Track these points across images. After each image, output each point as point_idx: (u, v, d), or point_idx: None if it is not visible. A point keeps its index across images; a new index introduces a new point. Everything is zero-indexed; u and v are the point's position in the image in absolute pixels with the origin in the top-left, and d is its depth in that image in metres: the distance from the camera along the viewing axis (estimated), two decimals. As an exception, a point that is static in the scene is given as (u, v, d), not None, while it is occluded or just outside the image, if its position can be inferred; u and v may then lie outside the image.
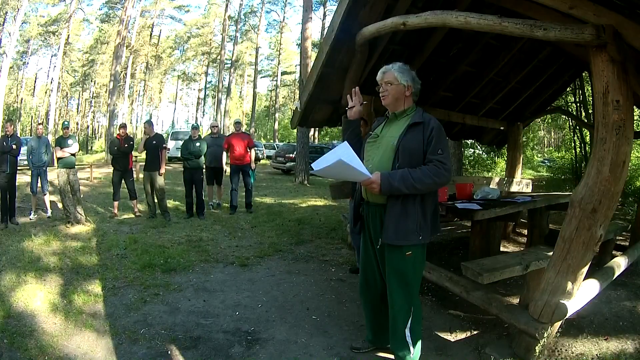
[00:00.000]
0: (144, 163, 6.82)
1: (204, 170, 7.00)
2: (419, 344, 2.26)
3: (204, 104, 48.81)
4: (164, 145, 6.79)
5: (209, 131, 9.28)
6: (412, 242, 2.08)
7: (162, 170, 6.56)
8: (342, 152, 1.98)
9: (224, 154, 7.14)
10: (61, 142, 6.18)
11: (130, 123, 39.96)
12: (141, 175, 7.19)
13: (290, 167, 15.39)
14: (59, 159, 6.15)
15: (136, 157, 7.55)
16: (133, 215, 6.73)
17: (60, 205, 6.69)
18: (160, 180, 6.64)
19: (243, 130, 7.65)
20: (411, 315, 2.19)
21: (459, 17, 2.71)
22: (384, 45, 4.21)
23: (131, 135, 7.00)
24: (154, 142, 6.67)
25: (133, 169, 7.18)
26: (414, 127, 2.09)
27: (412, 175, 1.97)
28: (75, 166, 6.48)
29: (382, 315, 2.39)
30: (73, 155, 6.28)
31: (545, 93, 6.45)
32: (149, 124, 6.99)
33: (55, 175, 6.49)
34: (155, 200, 6.71)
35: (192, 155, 6.66)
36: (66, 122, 6.86)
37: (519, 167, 6.89)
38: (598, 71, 2.15)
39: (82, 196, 6.62)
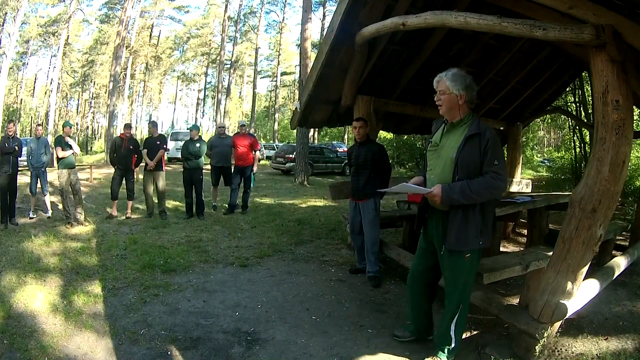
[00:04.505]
0: (144, 163, 6.81)
1: (203, 170, 7.00)
2: (460, 338, 2.41)
3: (204, 105, 48.92)
4: (165, 147, 6.83)
5: (213, 132, 9.32)
6: (472, 247, 2.21)
7: (152, 164, 6.56)
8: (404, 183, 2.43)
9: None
10: (61, 142, 6.15)
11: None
12: (141, 176, 7.16)
13: (290, 167, 15.38)
14: (59, 159, 6.13)
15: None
16: (130, 216, 6.68)
17: (60, 206, 6.67)
18: (161, 180, 6.69)
19: (248, 132, 7.65)
20: (459, 311, 2.33)
21: (459, 18, 2.71)
22: (384, 46, 4.21)
23: (135, 138, 6.98)
24: (158, 142, 6.75)
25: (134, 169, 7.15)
26: (472, 139, 2.15)
27: (471, 188, 2.09)
28: (76, 166, 6.46)
29: (425, 308, 2.58)
30: (74, 154, 6.26)
31: (545, 93, 6.46)
32: (153, 125, 7.18)
33: (55, 175, 6.48)
34: (156, 201, 6.72)
35: (192, 156, 6.68)
36: (69, 122, 6.91)
37: (519, 167, 6.90)
38: (598, 71, 2.16)
39: (83, 197, 6.60)
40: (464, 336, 2.81)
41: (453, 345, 2.36)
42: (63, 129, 6.40)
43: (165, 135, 7.43)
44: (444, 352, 2.38)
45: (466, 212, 2.17)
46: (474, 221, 2.17)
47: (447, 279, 2.38)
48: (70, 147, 6.10)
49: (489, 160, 2.10)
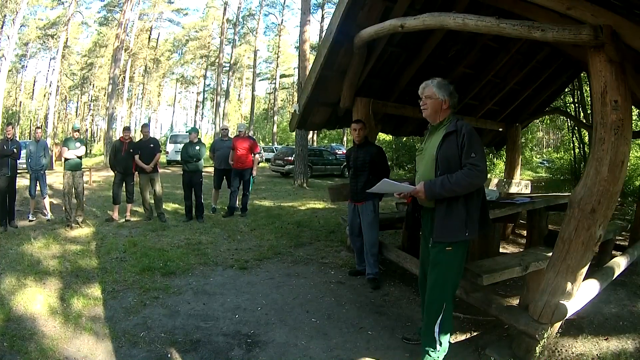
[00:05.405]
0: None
1: (203, 173, 6.99)
2: (447, 340, 2.40)
3: (203, 107, 48.82)
4: (160, 149, 6.83)
5: (212, 135, 9.34)
6: (459, 238, 2.26)
7: (148, 168, 6.56)
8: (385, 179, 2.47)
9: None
10: (68, 144, 6.16)
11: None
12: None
13: (289, 170, 15.36)
14: (65, 159, 6.14)
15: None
16: (129, 219, 6.66)
17: (63, 207, 6.65)
18: (157, 184, 6.68)
19: (248, 135, 7.66)
20: (442, 311, 2.32)
21: (457, 19, 2.72)
22: (382, 47, 4.22)
23: (134, 141, 6.98)
24: (151, 145, 6.73)
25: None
26: (449, 136, 2.28)
27: (450, 181, 2.18)
28: (82, 169, 6.45)
29: None
30: (79, 157, 6.27)
31: (543, 94, 6.47)
32: (145, 127, 7.22)
33: (54, 178, 6.47)
34: (152, 202, 6.70)
35: (192, 159, 6.66)
36: (77, 125, 6.95)
37: (518, 168, 6.90)
38: (596, 71, 2.17)
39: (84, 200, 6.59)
40: (463, 338, 2.82)
41: (439, 348, 2.34)
42: (72, 132, 6.52)
43: (157, 139, 7.42)
44: (430, 356, 2.34)
45: (450, 205, 2.26)
46: (458, 213, 2.25)
47: (429, 274, 2.42)
48: (77, 149, 6.15)
49: (465, 153, 2.21)
